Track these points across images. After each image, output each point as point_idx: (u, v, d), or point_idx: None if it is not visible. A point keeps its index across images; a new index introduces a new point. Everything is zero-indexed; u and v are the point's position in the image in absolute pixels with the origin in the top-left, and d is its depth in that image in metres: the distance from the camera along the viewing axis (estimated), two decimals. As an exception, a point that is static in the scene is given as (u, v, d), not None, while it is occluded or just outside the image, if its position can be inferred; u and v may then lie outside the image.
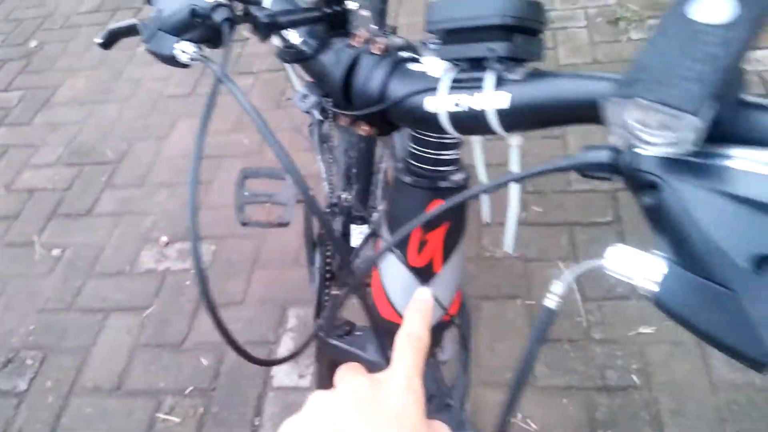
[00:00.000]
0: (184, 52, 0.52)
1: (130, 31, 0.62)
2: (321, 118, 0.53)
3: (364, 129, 0.48)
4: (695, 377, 1.35)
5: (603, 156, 0.30)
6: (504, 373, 1.42)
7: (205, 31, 0.52)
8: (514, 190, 0.47)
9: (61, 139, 2.30)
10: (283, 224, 1.11)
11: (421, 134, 0.54)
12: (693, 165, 0.27)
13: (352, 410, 0.31)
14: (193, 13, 0.51)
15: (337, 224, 1.16)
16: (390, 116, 0.47)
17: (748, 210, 0.25)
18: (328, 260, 1.06)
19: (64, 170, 2.17)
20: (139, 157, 2.18)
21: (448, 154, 0.55)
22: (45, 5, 3.09)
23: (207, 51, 0.55)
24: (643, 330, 1.43)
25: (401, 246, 0.59)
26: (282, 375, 1.50)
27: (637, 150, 0.29)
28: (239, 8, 0.54)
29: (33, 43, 2.85)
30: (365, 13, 0.49)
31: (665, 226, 0.28)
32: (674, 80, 0.26)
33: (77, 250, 1.89)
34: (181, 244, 1.86)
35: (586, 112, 0.32)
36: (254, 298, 1.68)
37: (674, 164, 0.28)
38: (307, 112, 0.50)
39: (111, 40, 0.66)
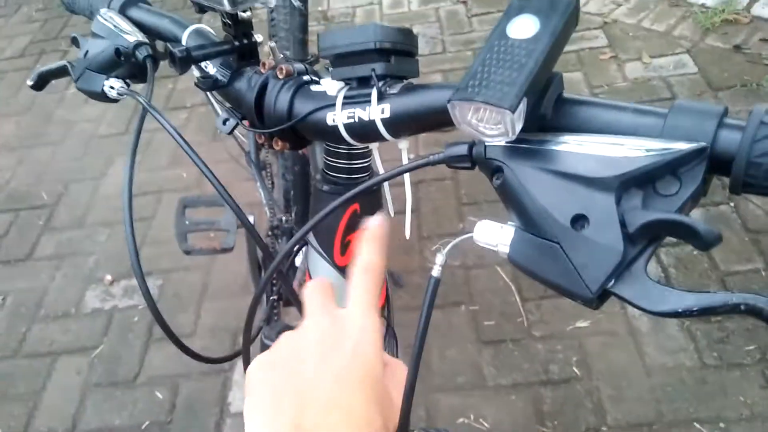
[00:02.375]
0: (112, 88, 0.56)
1: (60, 72, 0.66)
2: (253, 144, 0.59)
3: (278, 144, 0.54)
4: (630, 364, 1.44)
5: (462, 150, 0.37)
6: (455, 377, 1.48)
7: (130, 67, 0.57)
8: (407, 184, 0.54)
9: (-8, 186, 2.26)
10: (227, 250, 1.14)
11: (332, 146, 0.61)
12: (527, 150, 0.34)
13: (314, 348, 0.34)
14: (117, 52, 0.56)
15: (280, 246, 1.20)
16: (298, 131, 0.53)
17: (565, 181, 0.32)
18: (274, 281, 1.10)
19: (-2, 217, 2.13)
20: (76, 198, 2.16)
21: (358, 163, 0.62)
22: (-34, 52, 3.03)
23: (135, 86, 0.59)
24: (579, 324, 1.52)
25: (327, 249, 0.65)
26: (238, 401, 1.51)
27: (486, 142, 0.35)
28: (160, 45, 0.59)
29: (-44, 91, 2.78)
30: (272, 44, 0.55)
31: (510, 200, 0.34)
32: (494, 84, 0.33)
33: (19, 295, 1.86)
34: (127, 281, 1.85)
35: (446, 117, 0.38)
36: (205, 329, 1.69)
37: (513, 151, 0.35)
38: (230, 134, 0.56)
39: (42, 81, 0.69)
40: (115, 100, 0.57)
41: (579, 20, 0.37)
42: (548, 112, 0.36)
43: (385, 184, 0.58)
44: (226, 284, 1.78)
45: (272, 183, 1.22)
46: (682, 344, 1.44)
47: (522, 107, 0.32)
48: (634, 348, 1.46)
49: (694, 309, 0.28)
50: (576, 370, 1.45)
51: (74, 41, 0.59)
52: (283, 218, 1.17)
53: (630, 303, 0.30)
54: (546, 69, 0.34)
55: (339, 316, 0.36)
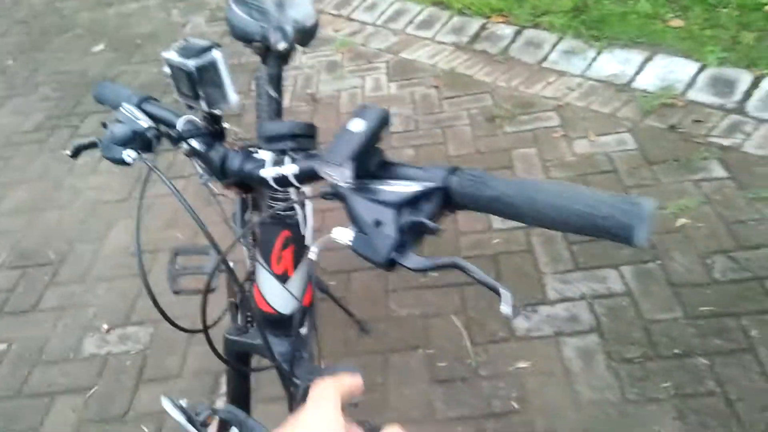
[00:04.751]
0: (129, 155, 0.82)
1: (91, 145, 0.92)
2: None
3: (235, 190, 0.79)
4: (563, 400, 1.63)
5: (328, 188, 0.61)
6: (410, 411, 1.66)
7: (141, 143, 0.83)
8: (309, 209, 0.79)
9: (4, 246, 2.49)
10: (210, 290, 1.36)
11: (268, 192, 0.86)
12: (358, 188, 0.58)
13: None
14: (134, 132, 0.82)
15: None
16: (246, 182, 0.78)
17: (374, 204, 0.57)
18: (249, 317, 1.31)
19: (9, 273, 2.35)
20: (80, 256, 2.39)
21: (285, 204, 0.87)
22: (-13, 126, 3.34)
23: (145, 155, 0.85)
24: (520, 365, 1.72)
25: (267, 261, 0.89)
26: (216, 434, 1.69)
27: (339, 184, 0.60)
28: (163, 128, 0.86)
29: (-25, 161, 3.06)
30: (236, 129, 0.82)
31: (350, 214, 0.58)
32: (336, 154, 0.57)
33: (23, 342, 2.06)
34: (122, 329, 2.05)
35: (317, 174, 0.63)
36: (190, 372, 1.88)
37: (352, 189, 0.59)
38: (205, 185, 0.81)
39: (77, 152, 0.94)
40: (129, 164, 0.83)
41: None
42: (373, 168, 0.61)
43: (309, 215, 0.84)
44: (211, 332, 1.97)
45: (254, 238, 1.46)
46: (608, 382, 1.64)
47: (350, 167, 0.57)
48: (567, 386, 1.65)
49: (429, 266, 0.52)
50: (515, 405, 1.63)
51: (104, 125, 0.85)
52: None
53: (402, 265, 0.54)
54: (369, 146, 0.59)
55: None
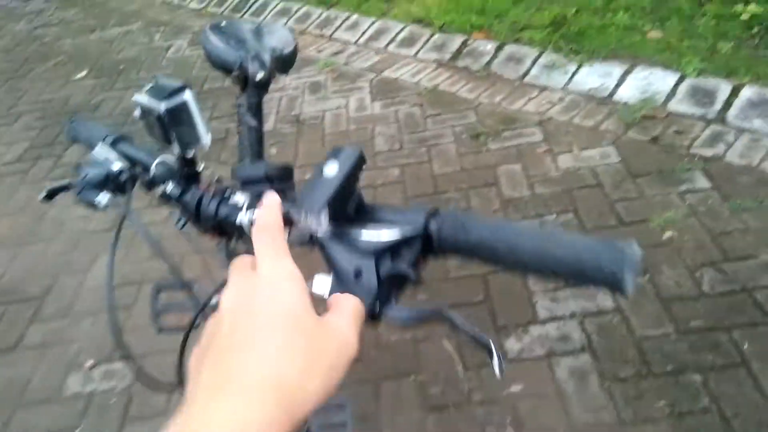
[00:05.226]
0: (101, 201, 0.80)
1: (65, 188, 0.89)
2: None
3: (211, 235, 0.77)
4: (558, 423, 1.61)
5: (306, 237, 0.59)
6: (402, 441, 1.63)
7: (116, 186, 0.81)
8: None
9: (-15, 282, 2.45)
10: (196, 327, 1.33)
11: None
12: (337, 234, 0.56)
13: (235, 318, 0.37)
14: (107, 176, 0.80)
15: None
16: (222, 227, 0.75)
17: (352, 252, 0.54)
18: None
19: (-10, 310, 2.31)
20: (63, 290, 2.35)
21: None
22: (-33, 159, 3.30)
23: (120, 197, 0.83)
24: (513, 389, 1.70)
25: None
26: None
27: (316, 232, 0.57)
28: (137, 169, 0.83)
29: (-45, 195, 3.02)
30: (208, 171, 0.80)
31: (328, 261, 0.56)
32: (311, 200, 0.55)
33: (5, 384, 2.01)
34: (106, 365, 2.01)
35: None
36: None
37: (330, 235, 0.56)
38: (181, 229, 0.79)
39: (51, 195, 0.92)
40: (105, 208, 0.80)
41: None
42: (351, 212, 0.58)
43: None
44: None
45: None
46: (602, 403, 1.62)
47: (325, 214, 0.54)
48: (561, 408, 1.63)
49: (413, 318, 0.50)
50: (511, 430, 1.61)
51: (77, 167, 0.83)
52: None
53: (385, 318, 0.51)
54: (345, 190, 0.56)
55: (252, 275, 0.40)
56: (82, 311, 2.23)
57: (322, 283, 0.56)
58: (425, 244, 0.54)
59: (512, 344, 1.82)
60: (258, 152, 1.46)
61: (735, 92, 2.53)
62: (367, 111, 3.05)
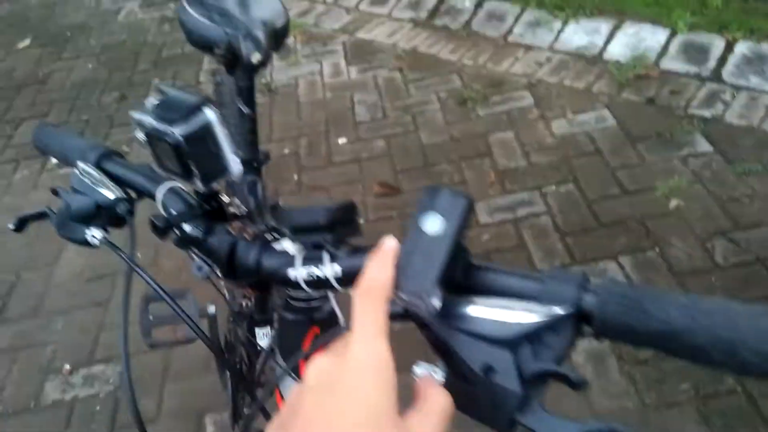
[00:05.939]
0: (94, 237, 0.63)
1: (40, 216, 0.72)
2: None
3: (246, 290, 0.62)
4: (580, 412, 1.53)
5: (399, 309, 0.44)
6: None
7: (109, 218, 0.64)
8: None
9: (-61, 282, 2.23)
10: (191, 340, 1.19)
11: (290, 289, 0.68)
12: (446, 313, 0.42)
13: (317, 399, 0.33)
14: (98, 206, 0.63)
15: (242, 328, 1.26)
16: (264, 281, 0.60)
17: (476, 340, 0.41)
18: (238, 366, 1.15)
19: (-52, 314, 2.10)
20: (28, 287, 2.15)
21: (317, 293, 0.70)
22: None
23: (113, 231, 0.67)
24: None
25: (295, 368, 0.72)
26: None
27: (424, 315, 0.44)
28: (134, 198, 0.66)
29: None
30: (237, 201, 0.63)
31: (438, 350, 0.43)
32: (415, 276, 0.41)
33: (-26, 395, 1.84)
34: (86, 369, 1.85)
35: None
36: (169, 412, 1.71)
37: (438, 314, 0.43)
38: (207, 280, 0.63)
39: (21, 225, 0.74)
40: (97, 247, 0.64)
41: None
42: (460, 278, 0.45)
43: (336, 306, 0.67)
44: (188, 364, 1.80)
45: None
46: (624, 388, 1.55)
47: (437, 295, 0.41)
48: (582, 396, 1.56)
49: None
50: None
51: (55, 192, 0.66)
52: (243, 303, 1.23)
53: (530, 430, 0.39)
54: (456, 254, 0.43)
55: (340, 353, 0.35)
56: (52, 310, 2.05)
57: (428, 373, 0.43)
58: (577, 325, 0.41)
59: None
60: (253, 142, 1.29)
61: (729, 48, 2.45)
62: (343, 76, 2.87)
